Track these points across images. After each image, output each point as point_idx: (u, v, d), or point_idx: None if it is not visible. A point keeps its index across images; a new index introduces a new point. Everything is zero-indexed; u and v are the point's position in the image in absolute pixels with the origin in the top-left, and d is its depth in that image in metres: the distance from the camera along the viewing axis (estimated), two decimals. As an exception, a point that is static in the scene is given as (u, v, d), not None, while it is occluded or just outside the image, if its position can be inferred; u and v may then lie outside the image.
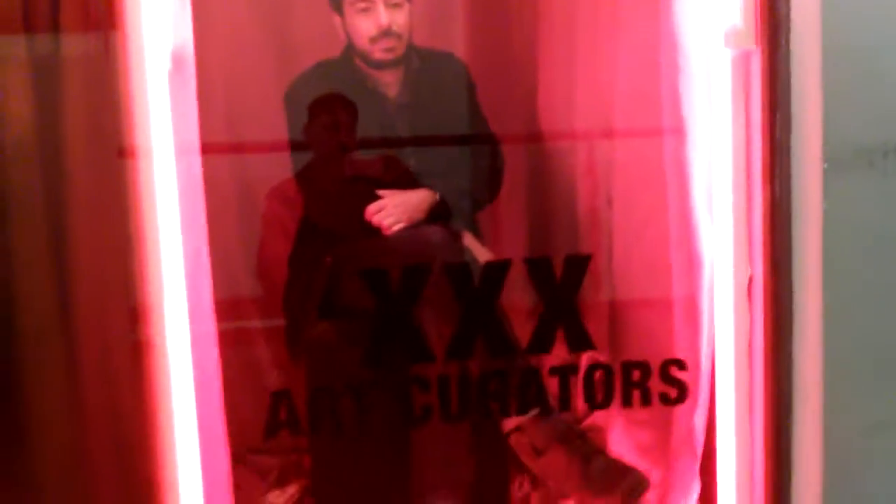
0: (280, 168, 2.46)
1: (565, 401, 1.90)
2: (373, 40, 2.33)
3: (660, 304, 2.12)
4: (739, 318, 1.94)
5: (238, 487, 2.00)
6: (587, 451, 2.24)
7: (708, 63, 1.98)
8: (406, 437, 2.18)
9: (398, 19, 2.32)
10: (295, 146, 2.40)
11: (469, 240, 2.39)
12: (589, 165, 2.58)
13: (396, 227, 2.25)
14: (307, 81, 2.40)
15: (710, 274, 1.98)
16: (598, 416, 2.33)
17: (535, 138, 2.80)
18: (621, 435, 2.27)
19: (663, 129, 2.14)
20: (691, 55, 2.03)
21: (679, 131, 2.06)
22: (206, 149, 1.87)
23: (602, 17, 2.48)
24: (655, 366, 1.94)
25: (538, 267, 1.87)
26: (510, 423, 2.21)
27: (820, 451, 1.85)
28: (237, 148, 2.64)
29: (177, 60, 1.81)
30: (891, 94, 1.80)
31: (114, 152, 1.79)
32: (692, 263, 2.02)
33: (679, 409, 2.02)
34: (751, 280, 1.92)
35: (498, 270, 1.86)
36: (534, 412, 2.11)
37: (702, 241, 2.01)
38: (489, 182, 2.52)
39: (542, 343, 1.86)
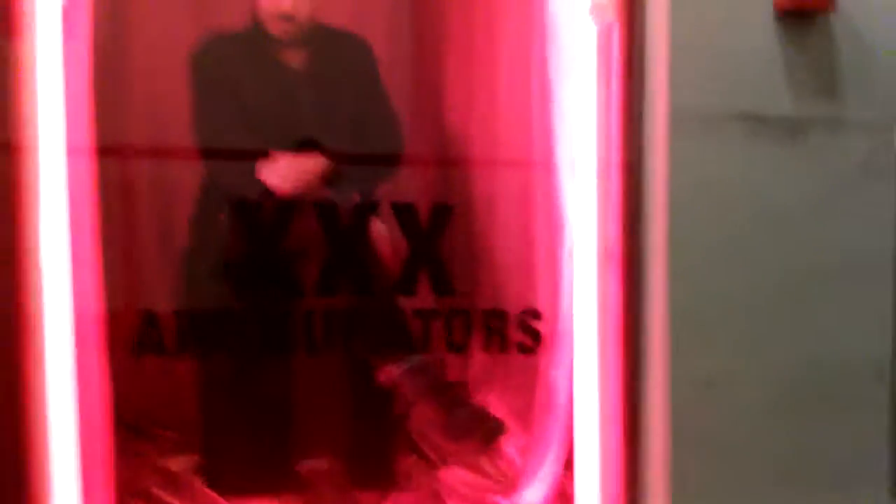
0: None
1: (426, 343, 2.03)
2: (273, 18, 2.38)
3: (522, 259, 2.24)
4: (598, 277, 2.08)
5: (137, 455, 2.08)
6: (452, 401, 2.36)
7: (574, 35, 2.10)
8: (286, 394, 2.28)
9: (300, 5, 2.38)
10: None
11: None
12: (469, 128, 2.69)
13: (285, 191, 2.31)
14: (217, 47, 2.44)
15: (571, 233, 2.11)
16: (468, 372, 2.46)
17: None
18: (487, 388, 2.40)
19: (532, 95, 2.25)
20: (560, 27, 2.14)
21: (546, 97, 2.18)
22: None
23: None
24: (513, 315, 2.07)
25: (404, 212, 1.97)
26: (384, 376, 2.31)
27: (666, 400, 2.00)
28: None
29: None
30: (734, 65, 1.95)
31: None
32: (554, 223, 2.15)
33: (538, 362, 2.16)
34: (607, 245, 2.06)
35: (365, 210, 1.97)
36: (407, 364, 2.24)
37: (565, 201, 2.14)
38: (387, 155, 2.58)
39: (406, 286, 1.98)
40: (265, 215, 1.97)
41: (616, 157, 2.03)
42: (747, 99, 1.96)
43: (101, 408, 1.95)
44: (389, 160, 2.49)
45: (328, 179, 2.35)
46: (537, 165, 2.22)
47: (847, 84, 2.03)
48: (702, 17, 1.93)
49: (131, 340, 2.01)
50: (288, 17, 2.36)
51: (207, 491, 2.30)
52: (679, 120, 1.95)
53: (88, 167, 1.96)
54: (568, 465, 2.17)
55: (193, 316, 2.02)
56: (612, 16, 2.02)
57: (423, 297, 2.06)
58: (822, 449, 2.07)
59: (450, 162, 2.74)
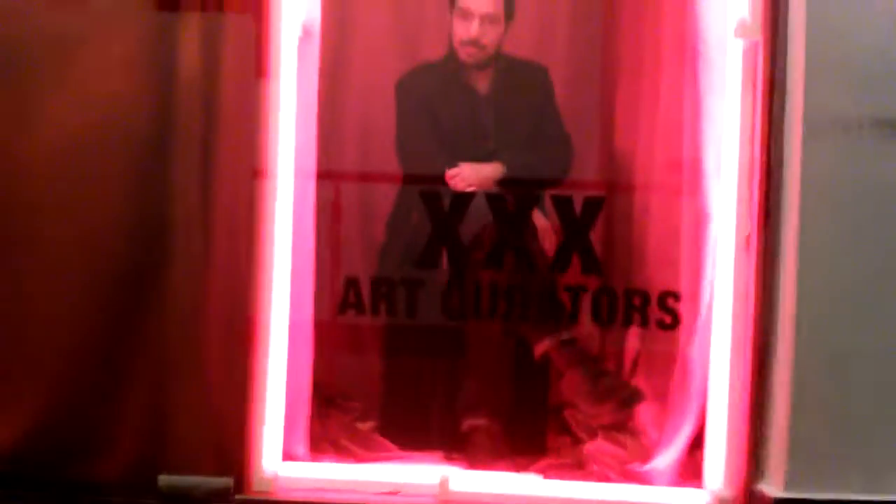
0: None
1: (574, 316, 2.35)
2: (462, 44, 2.79)
3: (669, 246, 2.51)
4: (737, 266, 2.33)
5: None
6: (597, 372, 2.64)
7: (723, 52, 2.38)
8: (456, 360, 2.64)
9: (489, 33, 2.77)
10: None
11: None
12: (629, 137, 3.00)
13: (467, 189, 2.68)
14: (415, 76, 2.89)
15: (714, 226, 2.37)
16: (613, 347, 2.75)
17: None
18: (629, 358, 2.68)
19: (685, 107, 2.53)
20: (710, 46, 2.43)
21: (697, 108, 2.46)
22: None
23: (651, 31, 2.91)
24: (654, 295, 2.36)
25: (561, 203, 2.32)
26: (540, 349, 2.62)
27: (790, 377, 2.21)
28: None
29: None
30: (865, 75, 2.17)
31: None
32: (699, 217, 2.42)
33: (676, 338, 2.41)
34: (748, 236, 2.30)
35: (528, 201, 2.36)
36: (560, 337, 2.55)
37: (709, 198, 2.40)
38: (556, 165, 2.92)
39: (561, 265, 2.32)
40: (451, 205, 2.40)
41: (757, 160, 2.28)
42: (877, 105, 2.17)
43: (306, 385, 2.49)
44: (557, 178, 2.82)
45: (502, 183, 2.73)
46: (686, 167, 2.50)
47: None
48: (836, 34, 2.17)
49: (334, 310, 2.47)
50: (475, 43, 2.76)
51: (385, 442, 2.68)
52: (813, 126, 2.18)
53: (313, 189, 2.49)
54: (699, 437, 2.39)
55: (384, 280, 2.45)
56: (757, 34, 2.29)
57: (574, 276, 2.38)
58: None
59: (616, 184, 3.02)
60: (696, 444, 2.40)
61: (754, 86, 2.30)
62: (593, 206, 2.37)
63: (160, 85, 2.36)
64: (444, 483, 2.35)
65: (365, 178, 3.18)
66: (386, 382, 2.85)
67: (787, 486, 2.20)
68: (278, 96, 2.37)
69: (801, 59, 2.20)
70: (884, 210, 2.18)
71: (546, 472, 2.50)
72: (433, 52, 3.00)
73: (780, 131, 2.26)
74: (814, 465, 2.20)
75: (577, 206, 2.34)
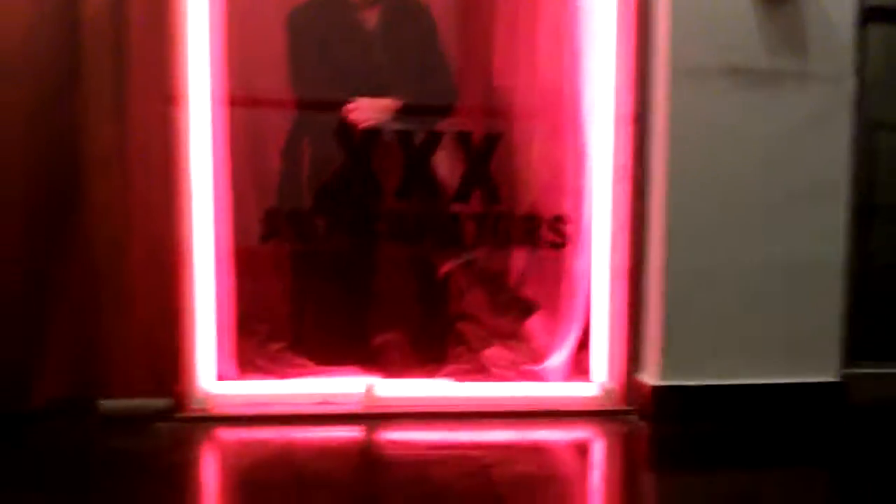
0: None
1: (476, 242, 2.69)
2: None
3: (556, 176, 2.86)
4: (613, 192, 2.70)
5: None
6: (496, 288, 2.99)
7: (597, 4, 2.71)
8: (367, 281, 2.91)
9: None
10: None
11: None
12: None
13: (366, 124, 2.88)
14: (306, 9, 3.04)
15: (594, 157, 2.74)
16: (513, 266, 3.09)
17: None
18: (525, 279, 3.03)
19: (564, 53, 2.84)
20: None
21: (575, 55, 2.78)
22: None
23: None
24: (546, 219, 2.73)
25: (462, 139, 2.63)
26: (444, 270, 2.93)
27: (663, 288, 2.61)
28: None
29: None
30: (724, 29, 2.54)
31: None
32: (579, 151, 2.79)
33: (564, 257, 2.79)
34: (623, 165, 2.67)
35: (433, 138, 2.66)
36: (463, 259, 2.87)
37: (588, 133, 2.75)
38: (445, 97, 3.16)
39: (463, 195, 2.64)
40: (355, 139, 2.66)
41: (630, 99, 2.65)
42: (734, 56, 2.55)
43: (230, 309, 2.70)
44: (445, 107, 3.02)
45: (397, 118, 2.96)
46: (563, 108, 2.83)
47: (811, 44, 2.60)
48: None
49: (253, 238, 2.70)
50: None
51: (301, 360, 2.92)
52: (677, 74, 2.55)
53: (225, 116, 2.63)
54: (585, 338, 2.79)
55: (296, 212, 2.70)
56: (629, -10, 2.62)
57: (475, 205, 2.70)
58: (784, 331, 2.67)
59: (496, 111, 3.28)
60: (583, 344, 2.80)
61: (625, 34, 2.64)
62: (492, 140, 2.70)
63: (66, 12, 2.45)
64: (369, 391, 2.65)
65: (276, 104, 3.27)
66: (302, 306, 3.04)
67: (663, 375, 2.63)
68: (187, 21, 2.52)
69: (667, 12, 2.54)
70: (737, 145, 2.58)
71: (454, 377, 2.83)
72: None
73: (649, 76, 2.62)
74: (684, 358, 2.63)
75: (482, 143, 2.65)
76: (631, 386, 2.70)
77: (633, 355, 2.71)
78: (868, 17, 2.67)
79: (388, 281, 2.90)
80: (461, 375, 2.85)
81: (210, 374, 2.64)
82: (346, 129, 2.70)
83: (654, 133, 2.62)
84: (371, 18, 3.02)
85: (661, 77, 2.58)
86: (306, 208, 2.75)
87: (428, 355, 2.95)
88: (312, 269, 2.95)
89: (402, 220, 2.74)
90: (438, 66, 3.08)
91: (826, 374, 2.70)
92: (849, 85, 2.64)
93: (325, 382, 2.75)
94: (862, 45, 2.66)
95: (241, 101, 2.72)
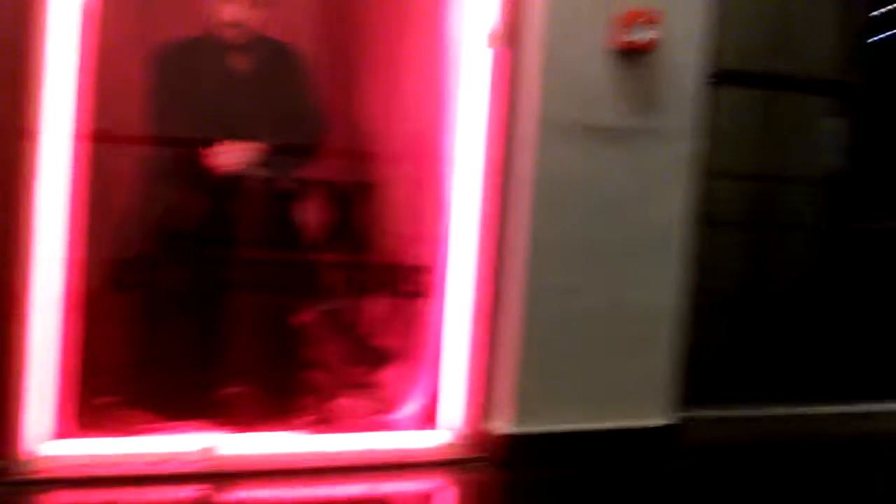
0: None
1: (340, 291, 2.60)
2: (224, 24, 2.80)
3: (418, 226, 2.83)
4: (476, 242, 2.71)
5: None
6: (352, 338, 2.92)
7: (471, 56, 2.72)
8: (215, 331, 2.75)
9: (249, 15, 2.80)
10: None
11: None
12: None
13: (229, 168, 2.71)
14: (175, 47, 2.84)
15: (458, 209, 2.74)
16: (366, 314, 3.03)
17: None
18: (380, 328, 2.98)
19: (430, 103, 2.82)
20: (460, 47, 2.75)
21: (442, 105, 2.76)
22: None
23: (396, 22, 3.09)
24: (406, 268, 2.69)
25: (330, 187, 2.54)
26: (301, 319, 2.83)
27: (519, 339, 2.64)
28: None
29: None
30: (585, 87, 2.61)
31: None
32: (440, 202, 2.77)
33: (423, 306, 2.76)
34: (486, 216, 2.67)
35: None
36: (322, 307, 2.78)
37: (454, 186, 2.74)
38: (312, 145, 3.04)
39: (325, 244, 2.57)
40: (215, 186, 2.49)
41: (496, 153, 2.66)
42: (595, 113, 2.64)
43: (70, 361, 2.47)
44: (310, 149, 2.93)
45: (262, 163, 2.82)
46: (429, 158, 2.81)
47: (664, 103, 2.73)
48: (565, 51, 2.59)
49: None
50: (237, 24, 2.80)
51: (144, 415, 2.72)
52: (543, 128, 2.60)
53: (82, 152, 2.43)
54: (439, 388, 2.77)
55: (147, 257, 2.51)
56: (503, 45, 2.64)
57: (336, 254, 2.62)
58: (626, 376, 2.76)
59: (363, 158, 3.18)
60: (438, 393, 2.78)
61: (498, 89, 2.66)
62: (358, 189, 2.63)
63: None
64: (212, 447, 2.51)
65: (137, 143, 3.06)
66: (147, 357, 2.83)
67: (514, 423, 2.65)
68: (46, 56, 2.32)
69: (536, 68, 2.59)
70: (592, 198, 2.66)
71: (304, 429, 2.73)
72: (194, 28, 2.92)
73: (515, 128, 2.64)
74: (535, 405, 2.66)
75: (345, 191, 2.57)
76: (483, 434, 2.71)
77: (487, 403, 2.72)
78: (717, 79, 2.83)
79: (239, 331, 2.76)
80: (312, 427, 2.75)
81: (43, 433, 2.41)
82: (207, 173, 2.54)
83: (517, 184, 2.65)
84: (242, 60, 2.88)
85: (527, 130, 2.62)
86: (159, 253, 2.58)
87: (277, 407, 2.83)
88: (160, 319, 2.76)
89: (259, 267, 2.63)
90: (308, 111, 2.98)
91: (663, 418, 2.81)
92: (696, 142, 2.79)
93: (167, 439, 2.57)
94: (710, 104, 2.80)
95: (100, 138, 2.52)
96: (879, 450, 3.13)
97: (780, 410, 3.16)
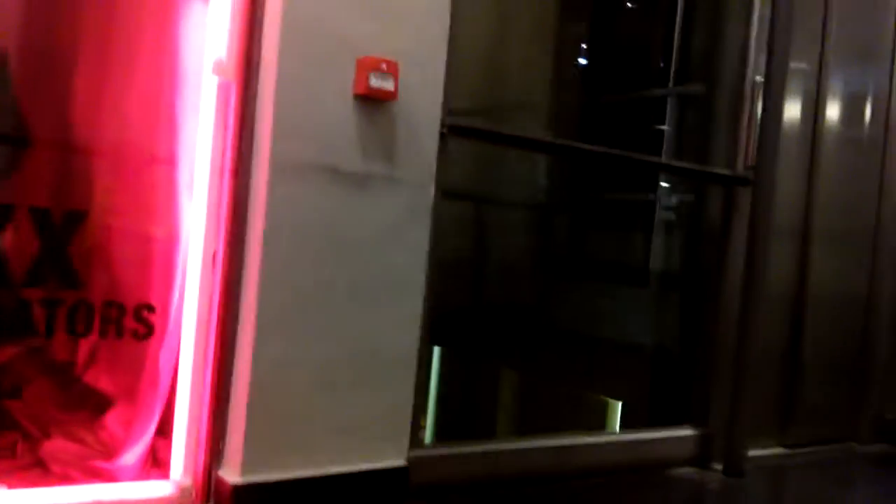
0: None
1: (50, 330, 2.39)
2: None
3: (143, 261, 2.67)
4: (204, 280, 2.59)
5: None
6: (66, 379, 2.70)
7: (199, 84, 2.60)
8: None
9: None
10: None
11: None
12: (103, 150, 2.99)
13: None
14: None
15: (186, 244, 2.60)
16: (81, 354, 2.79)
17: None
18: (98, 369, 2.77)
19: (161, 125, 2.69)
20: (188, 73, 2.62)
21: (172, 131, 2.64)
22: None
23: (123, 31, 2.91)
24: (130, 307, 2.52)
25: (39, 216, 2.34)
26: (2, 357, 2.57)
27: (248, 378, 2.56)
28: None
29: None
30: (324, 129, 2.59)
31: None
32: (171, 231, 2.63)
33: (148, 347, 2.61)
34: (214, 253, 2.58)
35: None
36: (27, 346, 2.55)
37: (182, 220, 2.62)
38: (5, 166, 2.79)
39: (34, 279, 2.34)
40: None
41: (227, 188, 2.57)
42: (332, 156, 2.62)
43: None
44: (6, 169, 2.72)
45: None
46: (159, 189, 2.67)
47: (400, 152, 2.77)
48: (303, 91, 2.56)
49: None
50: None
51: None
52: (277, 168, 2.54)
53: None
54: (164, 433, 2.63)
55: None
56: (231, 76, 2.56)
57: (49, 289, 2.41)
58: (361, 418, 2.75)
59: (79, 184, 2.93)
60: (162, 439, 2.63)
61: (226, 121, 2.57)
62: (73, 220, 2.43)
63: None
64: None
65: None
66: None
67: (244, 471, 2.55)
68: None
69: (271, 105, 2.53)
70: (329, 240, 2.64)
71: (5, 478, 2.48)
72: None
73: (249, 166, 2.58)
74: (267, 452, 2.58)
75: (57, 220, 2.37)
76: (211, 483, 2.60)
77: (216, 451, 2.61)
78: (449, 131, 2.91)
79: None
80: (16, 474, 2.51)
81: None
82: None
83: (250, 223, 2.58)
84: None
85: (260, 168, 2.56)
86: None
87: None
88: None
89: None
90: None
91: (397, 459, 2.83)
92: (430, 190, 2.85)
93: None
94: (442, 155, 2.88)
95: None
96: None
97: (500, 445, 3.33)
